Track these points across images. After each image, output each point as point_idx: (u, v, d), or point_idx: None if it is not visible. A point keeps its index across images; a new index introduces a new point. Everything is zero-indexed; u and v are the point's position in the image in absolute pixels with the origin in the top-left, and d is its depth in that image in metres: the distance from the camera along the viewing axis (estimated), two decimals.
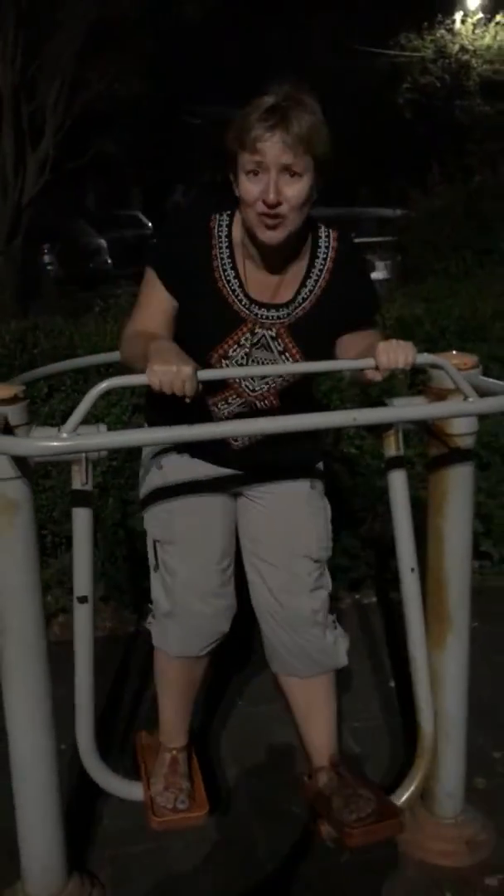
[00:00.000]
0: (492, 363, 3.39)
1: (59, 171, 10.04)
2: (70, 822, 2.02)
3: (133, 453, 3.13)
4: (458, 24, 19.55)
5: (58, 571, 3.18)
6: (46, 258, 13.49)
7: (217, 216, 1.87)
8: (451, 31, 19.53)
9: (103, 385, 1.59)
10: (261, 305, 1.87)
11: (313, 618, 2.05)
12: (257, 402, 1.94)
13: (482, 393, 1.80)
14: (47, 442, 1.57)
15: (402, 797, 2.06)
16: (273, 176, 1.71)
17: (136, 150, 18.70)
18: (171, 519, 2.03)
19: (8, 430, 1.68)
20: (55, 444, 1.56)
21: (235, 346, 1.87)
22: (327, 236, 1.92)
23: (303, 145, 1.70)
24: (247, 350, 1.88)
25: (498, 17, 19.16)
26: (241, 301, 1.86)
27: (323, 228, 1.92)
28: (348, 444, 3.35)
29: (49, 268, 12.76)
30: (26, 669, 1.84)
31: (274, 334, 1.89)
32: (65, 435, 1.54)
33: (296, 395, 1.98)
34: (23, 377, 2.16)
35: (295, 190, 1.72)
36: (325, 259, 1.90)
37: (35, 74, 9.39)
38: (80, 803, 2.28)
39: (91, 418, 1.67)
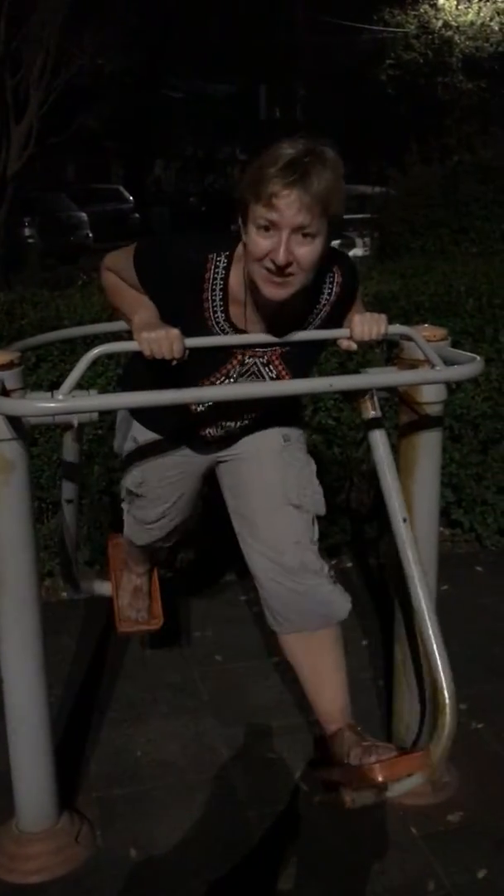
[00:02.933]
0: (464, 338, 3.52)
1: (42, 144, 10.03)
2: (60, 766, 2.14)
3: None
4: (441, 0, 19.52)
5: (44, 536, 3.29)
6: (27, 231, 13.46)
7: (214, 257, 1.81)
8: (434, 6, 19.51)
9: (96, 350, 1.69)
10: (255, 345, 1.89)
11: (306, 566, 2.05)
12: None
13: (450, 363, 1.93)
14: (45, 403, 1.68)
15: (434, 748, 1.92)
16: (285, 236, 1.65)
17: (117, 124, 18.56)
18: (141, 483, 2.16)
19: (4, 394, 1.78)
20: (52, 405, 1.67)
21: (223, 377, 1.92)
22: (332, 274, 1.89)
23: (320, 206, 1.65)
24: (233, 380, 1.92)
25: None
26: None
27: (326, 265, 1.83)
28: (326, 416, 3.47)
29: (30, 241, 12.74)
30: (21, 621, 1.95)
31: (265, 361, 1.92)
32: (60, 397, 1.65)
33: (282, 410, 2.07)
34: (15, 346, 2.25)
35: (307, 252, 1.68)
36: (329, 295, 1.90)
37: (19, 47, 9.35)
38: (69, 749, 2.41)
39: (78, 386, 1.77)
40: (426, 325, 2.09)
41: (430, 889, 1.99)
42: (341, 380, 1.89)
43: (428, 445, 2.10)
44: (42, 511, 3.31)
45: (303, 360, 1.97)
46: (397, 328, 1.89)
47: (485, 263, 4.35)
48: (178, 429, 2.06)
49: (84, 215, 16.96)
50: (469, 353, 1.97)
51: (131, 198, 21.24)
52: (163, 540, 2.33)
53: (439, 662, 1.96)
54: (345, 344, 1.86)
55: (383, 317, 1.85)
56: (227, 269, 1.82)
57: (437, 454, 2.12)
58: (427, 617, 1.96)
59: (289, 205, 1.63)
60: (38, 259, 11.95)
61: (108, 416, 3.20)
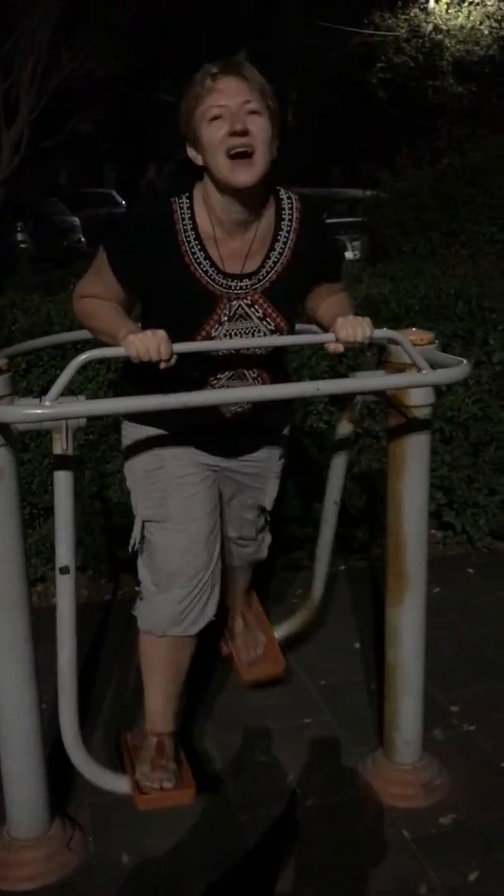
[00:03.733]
0: (454, 340, 3.53)
1: (34, 149, 10.03)
2: (52, 772, 2.14)
3: (108, 428, 3.24)
4: (431, 4, 19.57)
5: (36, 542, 3.29)
6: (20, 236, 13.44)
7: (177, 200, 1.91)
8: (424, 10, 19.55)
9: (83, 356, 1.70)
10: (230, 277, 1.93)
11: (254, 538, 2.41)
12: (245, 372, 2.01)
13: (437, 367, 1.94)
14: (32, 409, 1.68)
15: (280, 635, 2.69)
16: (235, 108, 1.79)
17: (109, 128, 18.59)
18: (165, 498, 2.07)
19: None
20: (38, 411, 1.67)
21: (216, 324, 1.94)
22: (289, 198, 1.98)
23: (256, 84, 1.81)
24: (227, 327, 1.94)
25: None
26: (214, 279, 1.92)
27: (283, 191, 1.98)
28: (317, 420, 3.47)
29: (22, 245, 12.73)
30: (11, 627, 1.96)
31: (249, 302, 1.95)
32: (47, 403, 1.65)
33: (274, 366, 2.06)
34: (5, 352, 2.25)
35: (258, 124, 1.81)
36: (290, 220, 1.97)
37: (9, 52, 9.36)
38: (61, 755, 2.39)
39: (68, 392, 1.77)
40: (413, 329, 2.10)
41: (422, 892, 1.99)
42: (329, 384, 1.91)
43: (416, 448, 2.10)
44: (34, 517, 3.31)
45: (285, 294, 1.99)
46: (384, 332, 1.90)
47: (474, 266, 4.37)
48: (189, 419, 1.96)
49: (76, 220, 16.94)
50: (456, 357, 1.98)
51: (124, 202, 21.24)
52: (189, 608, 2.08)
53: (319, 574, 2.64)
54: (331, 347, 1.87)
55: (367, 320, 1.86)
56: (192, 208, 1.91)
57: (425, 457, 2.13)
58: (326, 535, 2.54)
59: (228, 83, 1.80)
60: (31, 263, 11.94)
61: (98, 421, 3.21)
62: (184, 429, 2.04)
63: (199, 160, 1.86)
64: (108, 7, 10.52)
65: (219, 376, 1.98)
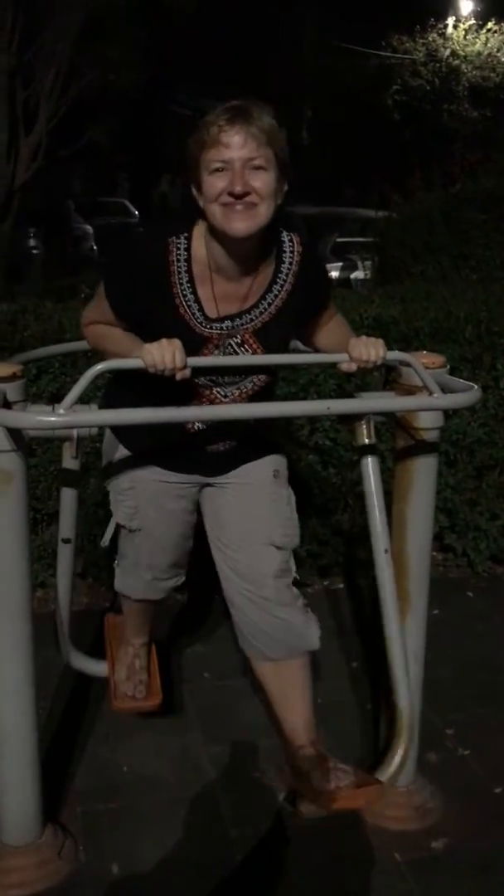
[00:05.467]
0: (462, 364, 3.54)
1: (50, 157, 10.11)
2: (45, 779, 2.13)
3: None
4: (450, 29, 19.75)
5: (38, 547, 3.29)
6: (32, 242, 13.52)
7: (174, 239, 1.87)
8: (442, 35, 19.73)
9: (98, 367, 1.71)
10: (226, 318, 1.91)
11: (280, 601, 2.13)
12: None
13: (448, 391, 1.95)
14: (46, 417, 1.69)
15: (385, 774, 2.10)
16: (238, 167, 1.74)
17: (124, 139, 18.68)
18: (135, 514, 2.16)
19: (6, 406, 1.79)
20: (53, 419, 1.68)
21: None
22: (290, 241, 1.95)
23: (265, 136, 1.75)
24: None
25: (490, 24, 19.38)
26: (202, 323, 1.90)
27: (285, 233, 1.95)
28: (323, 436, 3.48)
29: (34, 251, 12.80)
30: (12, 632, 1.96)
31: (239, 341, 1.93)
32: (62, 411, 1.66)
33: (264, 399, 2.06)
34: (17, 358, 2.27)
35: (261, 180, 1.76)
36: (290, 263, 1.95)
37: (31, 61, 9.44)
38: (55, 762, 2.41)
39: (79, 400, 1.78)
40: (425, 352, 2.11)
41: None
42: (339, 403, 1.92)
43: (423, 470, 2.11)
44: (37, 522, 3.32)
45: (277, 334, 1.98)
46: (396, 354, 1.92)
47: (484, 291, 4.38)
48: (169, 438, 2.03)
49: (89, 228, 17.05)
50: (467, 382, 1.99)
51: (137, 212, 21.35)
52: (159, 585, 2.27)
53: (402, 693, 2.11)
54: (344, 366, 1.89)
55: (380, 341, 1.89)
56: (189, 249, 1.87)
57: (432, 479, 2.14)
58: (396, 646, 2.11)
59: (234, 136, 1.74)
60: (42, 270, 12.00)
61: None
62: (160, 447, 2.07)
63: (200, 202, 1.84)
64: (127, 22, 10.62)
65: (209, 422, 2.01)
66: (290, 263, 1.95)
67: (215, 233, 1.83)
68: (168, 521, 2.17)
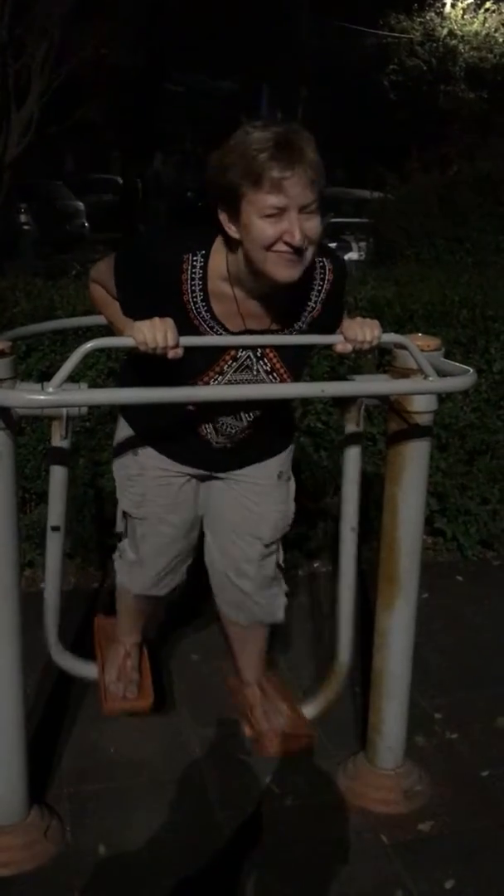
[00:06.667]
0: (455, 348, 3.53)
1: (41, 133, 9.99)
2: (32, 760, 2.13)
3: (105, 417, 3.22)
4: (447, 8, 19.58)
5: (26, 526, 3.27)
6: (23, 218, 13.39)
7: (191, 257, 1.80)
8: (440, 14, 19.56)
9: (89, 345, 1.68)
10: (248, 333, 1.88)
11: (258, 583, 2.25)
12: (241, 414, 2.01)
13: (442, 374, 1.93)
14: (35, 395, 1.66)
15: (311, 713, 2.43)
16: (294, 217, 1.65)
17: (117, 116, 18.50)
18: (142, 501, 2.16)
19: None
20: (42, 397, 1.65)
21: (217, 375, 1.91)
22: (322, 268, 1.90)
23: (318, 177, 1.66)
24: (229, 377, 1.92)
25: (488, 4, 19.22)
26: (220, 334, 1.86)
27: (318, 259, 1.87)
28: (315, 419, 3.47)
29: (25, 227, 12.67)
30: (1, 612, 1.94)
31: (259, 355, 1.91)
32: (51, 390, 1.64)
33: (275, 413, 2.07)
34: (7, 335, 2.23)
35: (313, 225, 1.69)
36: (319, 291, 1.90)
37: (23, 33, 9.30)
38: (42, 743, 2.40)
39: (69, 379, 1.75)
40: (420, 335, 2.09)
41: None
42: (333, 386, 1.90)
43: (416, 454, 2.10)
44: (25, 501, 3.30)
45: (297, 352, 1.97)
46: (392, 336, 1.89)
47: (479, 274, 4.36)
48: (179, 439, 2.05)
49: (81, 204, 16.92)
50: (462, 366, 1.97)
51: (128, 190, 21.19)
52: (162, 580, 2.26)
53: (344, 642, 2.38)
54: (339, 347, 1.86)
55: (376, 322, 1.87)
56: (205, 267, 1.80)
57: (424, 463, 2.12)
58: (347, 599, 2.34)
59: (295, 185, 1.63)
60: (33, 247, 11.90)
61: (96, 409, 3.19)
62: (170, 441, 2.08)
63: (233, 232, 1.72)
64: None
65: (219, 419, 2.00)
66: (320, 291, 1.91)
67: (248, 265, 1.75)
68: (174, 514, 2.17)
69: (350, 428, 2.09)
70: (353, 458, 2.22)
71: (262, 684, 2.46)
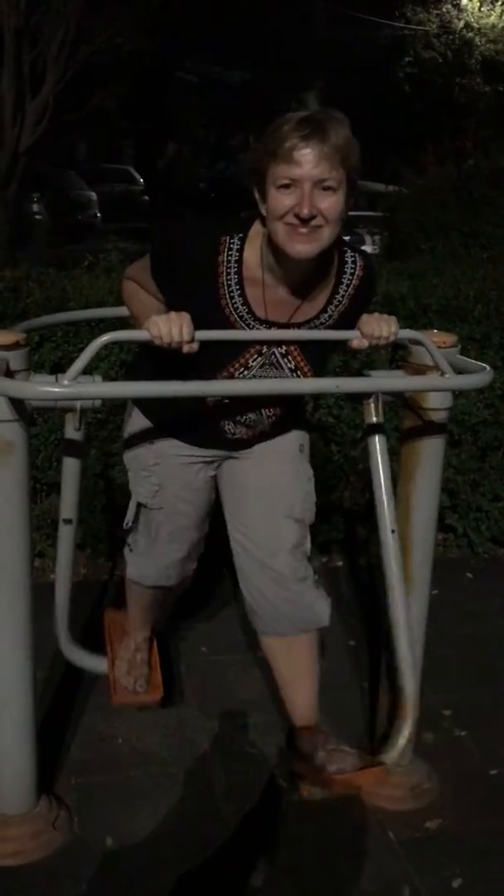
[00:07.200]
0: (470, 343, 3.51)
1: (56, 121, 9.95)
2: (41, 750, 2.13)
3: (117, 408, 3.22)
4: (464, 1, 19.43)
5: (37, 516, 3.27)
6: (35, 207, 13.37)
7: (228, 239, 1.81)
8: (457, 6, 19.41)
9: (104, 338, 1.67)
10: (273, 325, 1.85)
11: (294, 574, 2.11)
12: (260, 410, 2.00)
13: (458, 371, 1.92)
14: (50, 388, 1.66)
15: (389, 757, 2.12)
16: (307, 189, 1.65)
17: (131, 105, 18.46)
18: (159, 490, 2.13)
19: (8, 375, 1.76)
20: (57, 389, 1.65)
21: (243, 368, 1.89)
22: (353, 262, 1.89)
23: (339, 156, 1.66)
24: (255, 372, 1.90)
25: None
26: (249, 325, 1.84)
27: (350, 253, 1.89)
28: (326, 413, 3.45)
29: (38, 217, 12.66)
30: (13, 603, 1.94)
31: (284, 352, 1.89)
32: (66, 382, 1.63)
33: (291, 407, 2.06)
34: (20, 326, 2.22)
35: (329, 203, 1.68)
36: (348, 286, 1.89)
37: (39, 21, 9.25)
38: (51, 733, 2.40)
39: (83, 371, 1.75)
40: (436, 331, 2.07)
41: (405, 895, 1.99)
42: (348, 382, 1.89)
43: (430, 451, 2.09)
44: (37, 492, 3.30)
45: (321, 349, 1.95)
46: (408, 332, 1.88)
47: (494, 269, 4.33)
48: (197, 427, 2.03)
49: (93, 194, 16.88)
50: (478, 363, 1.95)
51: (141, 179, 21.15)
52: (174, 570, 2.24)
53: (408, 676, 2.10)
54: (355, 342, 1.84)
55: (393, 318, 1.85)
56: (241, 250, 1.81)
57: (438, 460, 2.11)
58: (402, 629, 2.08)
59: (308, 155, 1.64)
60: (45, 236, 11.89)
61: (108, 401, 3.19)
62: (188, 430, 2.05)
63: (263, 210, 1.75)
64: None
65: (237, 417, 1.99)
66: (349, 286, 1.89)
67: (274, 246, 1.76)
68: (191, 499, 2.14)
69: (370, 419, 2.04)
70: (378, 450, 2.04)
71: (320, 727, 2.20)
